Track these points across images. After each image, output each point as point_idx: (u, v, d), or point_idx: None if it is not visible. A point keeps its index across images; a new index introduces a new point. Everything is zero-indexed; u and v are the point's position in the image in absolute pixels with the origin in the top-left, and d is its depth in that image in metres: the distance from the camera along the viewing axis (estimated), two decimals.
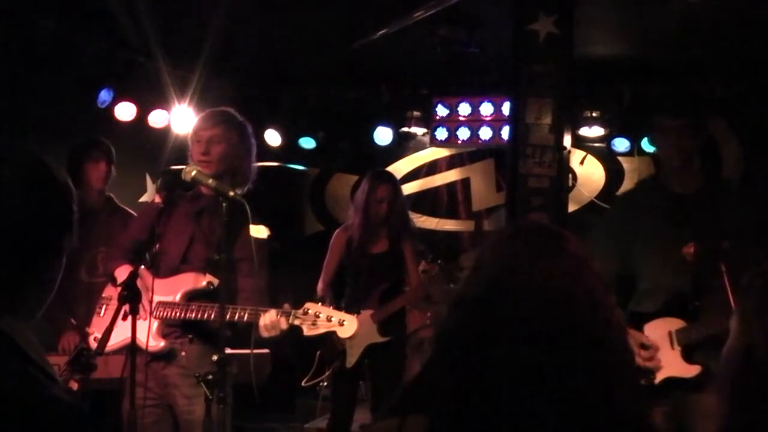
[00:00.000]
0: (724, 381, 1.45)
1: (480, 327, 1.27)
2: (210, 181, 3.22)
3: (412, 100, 6.76)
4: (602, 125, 6.37)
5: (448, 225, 7.32)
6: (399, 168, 7.18)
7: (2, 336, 1.21)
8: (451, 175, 7.33)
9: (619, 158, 6.75)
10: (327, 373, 5.08)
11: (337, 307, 3.31)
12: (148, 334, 3.27)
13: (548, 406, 1.22)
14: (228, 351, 3.08)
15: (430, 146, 7.13)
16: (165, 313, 3.29)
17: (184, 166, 3.29)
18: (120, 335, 3.01)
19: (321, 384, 5.34)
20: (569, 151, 5.07)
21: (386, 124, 6.82)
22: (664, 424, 3.31)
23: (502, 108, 6.59)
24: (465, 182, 7.29)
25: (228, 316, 3.13)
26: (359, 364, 4.91)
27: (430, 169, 7.37)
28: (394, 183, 5.16)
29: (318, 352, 5.07)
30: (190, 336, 3.33)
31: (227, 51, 5.57)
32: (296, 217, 7.61)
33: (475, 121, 6.74)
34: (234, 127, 3.48)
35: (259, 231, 3.29)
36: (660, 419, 3.27)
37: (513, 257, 1.31)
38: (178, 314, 3.28)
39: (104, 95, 5.62)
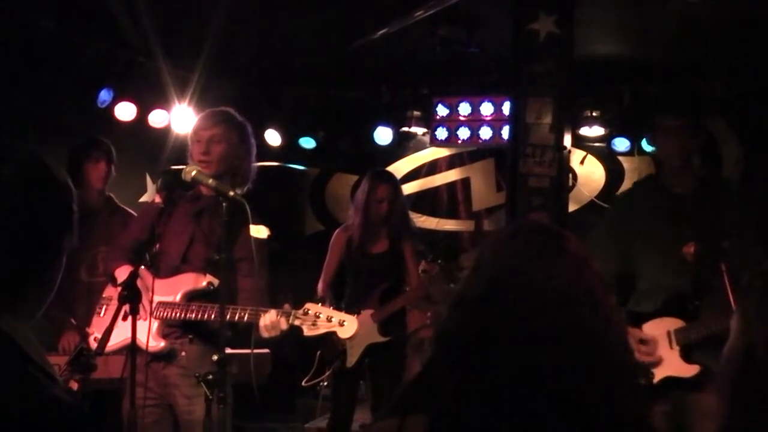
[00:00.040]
0: (724, 381, 1.45)
1: (480, 327, 1.27)
2: (210, 181, 3.22)
3: (412, 99, 6.75)
4: (602, 125, 6.35)
5: (448, 225, 7.31)
6: (399, 168, 7.17)
7: (2, 336, 1.21)
8: (451, 175, 7.32)
9: (620, 158, 6.75)
10: (327, 373, 5.07)
11: (338, 308, 3.31)
12: (149, 335, 3.27)
13: (548, 406, 1.22)
14: (228, 351, 3.09)
15: (430, 146, 7.12)
16: (165, 314, 3.29)
17: (184, 166, 3.29)
18: (120, 335, 3.01)
19: (321, 384, 5.33)
20: (569, 151, 5.06)
21: (386, 123, 6.80)
22: (663, 424, 3.31)
23: (503, 108, 6.59)
24: (465, 182, 7.28)
25: (228, 317, 3.13)
26: (359, 363, 4.90)
27: (430, 168, 7.36)
28: (395, 183, 5.16)
29: (318, 352, 5.06)
30: (191, 336, 3.33)
31: (227, 51, 5.57)
32: (296, 217, 7.60)
33: (475, 121, 6.73)
34: (234, 127, 3.48)
35: (259, 231, 3.28)
36: (659, 419, 3.27)
37: (513, 257, 1.32)
38: (178, 314, 3.28)
39: (104, 95, 5.62)
